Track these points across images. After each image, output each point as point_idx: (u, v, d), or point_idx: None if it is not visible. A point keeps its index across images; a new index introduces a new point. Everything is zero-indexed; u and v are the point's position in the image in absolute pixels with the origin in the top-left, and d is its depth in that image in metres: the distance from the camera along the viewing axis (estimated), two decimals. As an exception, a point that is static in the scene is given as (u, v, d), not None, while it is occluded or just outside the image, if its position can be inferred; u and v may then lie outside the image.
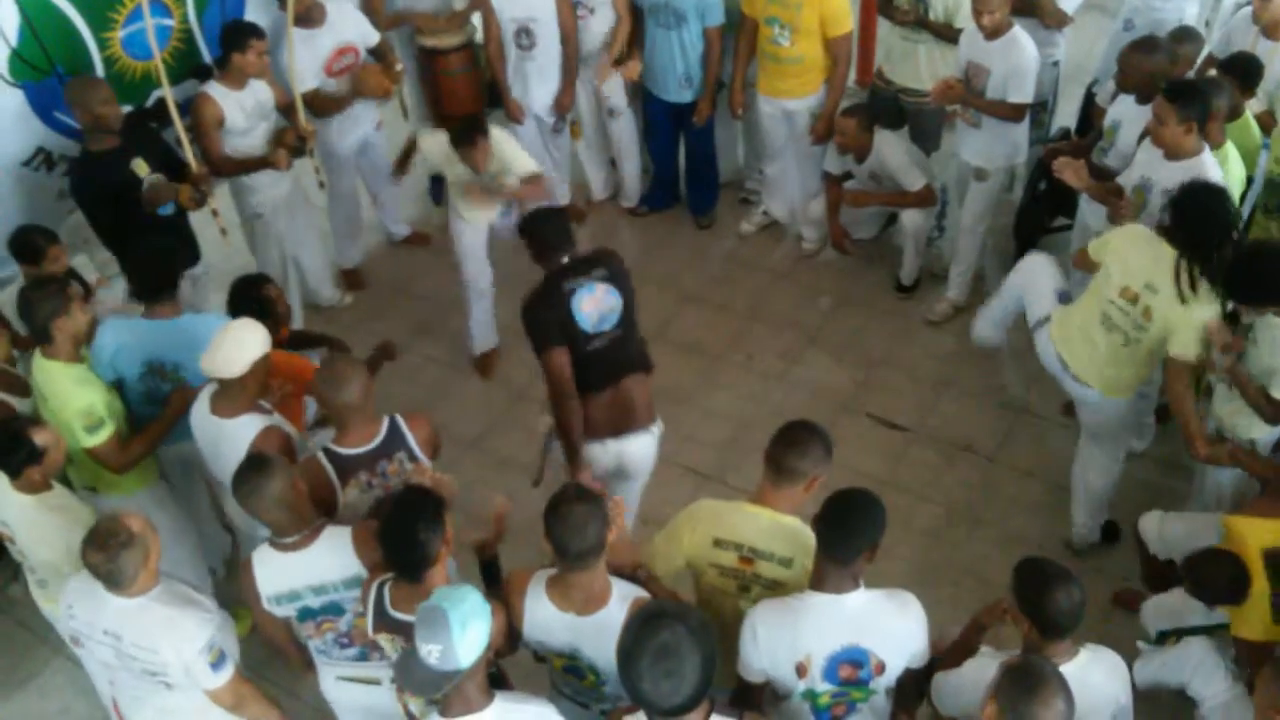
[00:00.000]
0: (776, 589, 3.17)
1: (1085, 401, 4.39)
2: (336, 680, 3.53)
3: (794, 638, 2.94)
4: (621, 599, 2.98)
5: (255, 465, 3.25)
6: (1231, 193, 4.30)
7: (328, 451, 3.56)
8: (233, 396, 3.71)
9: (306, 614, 3.36)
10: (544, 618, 3.03)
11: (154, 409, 4.08)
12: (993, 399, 5.49)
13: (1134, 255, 4.05)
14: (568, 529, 2.88)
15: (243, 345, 3.67)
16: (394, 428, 3.61)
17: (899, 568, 4.66)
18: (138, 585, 3.17)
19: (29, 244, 4.50)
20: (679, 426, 5.40)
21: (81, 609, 3.28)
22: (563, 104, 6.22)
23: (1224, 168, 4.35)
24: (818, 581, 2.96)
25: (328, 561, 3.28)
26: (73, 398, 3.89)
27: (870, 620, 2.95)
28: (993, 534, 4.88)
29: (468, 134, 5.00)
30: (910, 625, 3.02)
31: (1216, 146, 4.39)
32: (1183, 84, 4.39)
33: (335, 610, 3.35)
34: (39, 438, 3.54)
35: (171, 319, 4.09)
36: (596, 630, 2.96)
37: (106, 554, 3.09)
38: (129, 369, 4.08)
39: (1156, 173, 4.38)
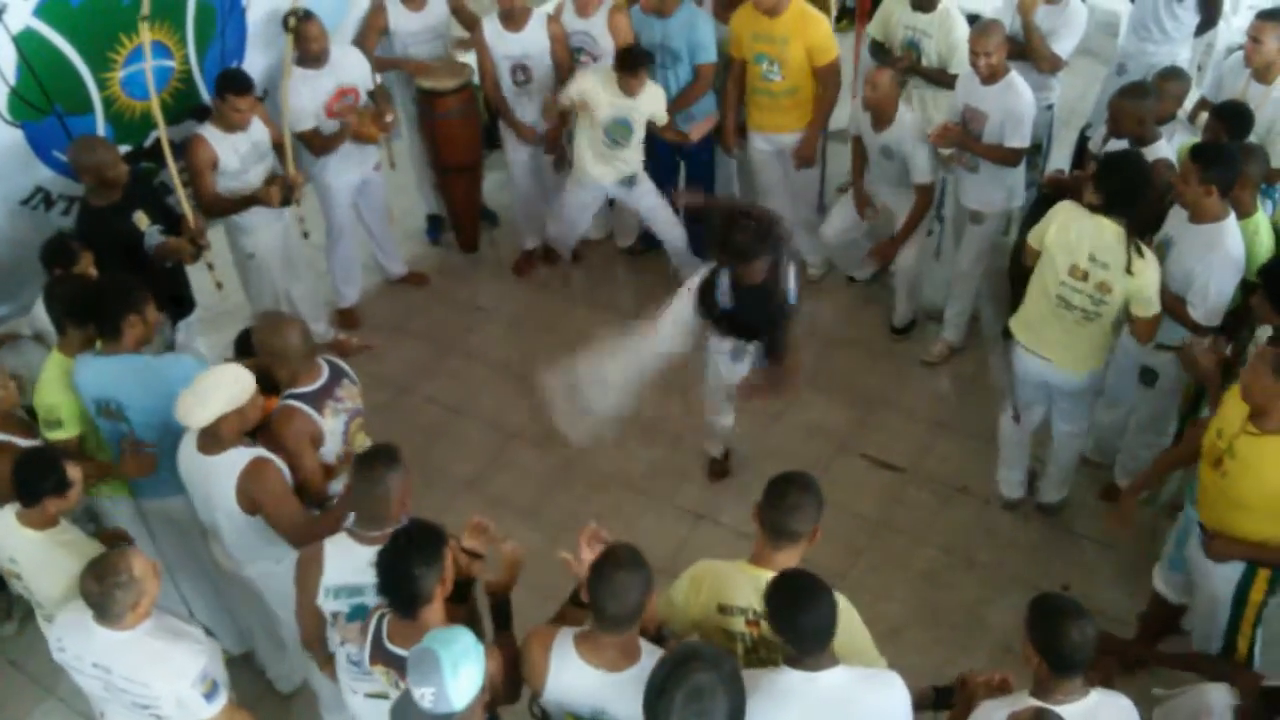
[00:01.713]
0: (783, 650, 3.09)
1: (1067, 386, 4.61)
2: (365, 698, 3.46)
3: (767, 717, 2.81)
4: (650, 656, 2.90)
5: (385, 453, 3.35)
6: (1262, 260, 4.26)
7: (294, 395, 3.86)
8: (214, 434, 3.70)
9: (358, 612, 3.32)
10: (572, 675, 2.94)
11: (119, 454, 4.06)
12: (989, 440, 5.48)
13: (1073, 232, 4.29)
14: (610, 593, 2.83)
15: (206, 400, 3.63)
16: (331, 362, 4.01)
17: (895, 609, 4.64)
18: (125, 621, 3.16)
19: (63, 249, 4.49)
20: (673, 466, 5.39)
21: (70, 641, 3.27)
22: (550, 137, 6.27)
23: (1255, 237, 4.31)
24: (792, 660, 2.86)
25: None
26: (44, 390, 4.04)
27: (845, 699, 2.84)
28: (989, 576, 4.86)
29: (633, 63, 5.53)
30: (889, 706, 2.89)
31: (1247, 215, 4.32)
32: (1210, 146, 4.27)
33: None
34: (71, 472, 3.57)
35: (120, 356, 3.98)
36: (629, 686, 2.86)
37: (101, 586, 3.11)
38: (88, 405, 4.03)
39: (1179, 233, 4.29)
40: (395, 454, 3.35)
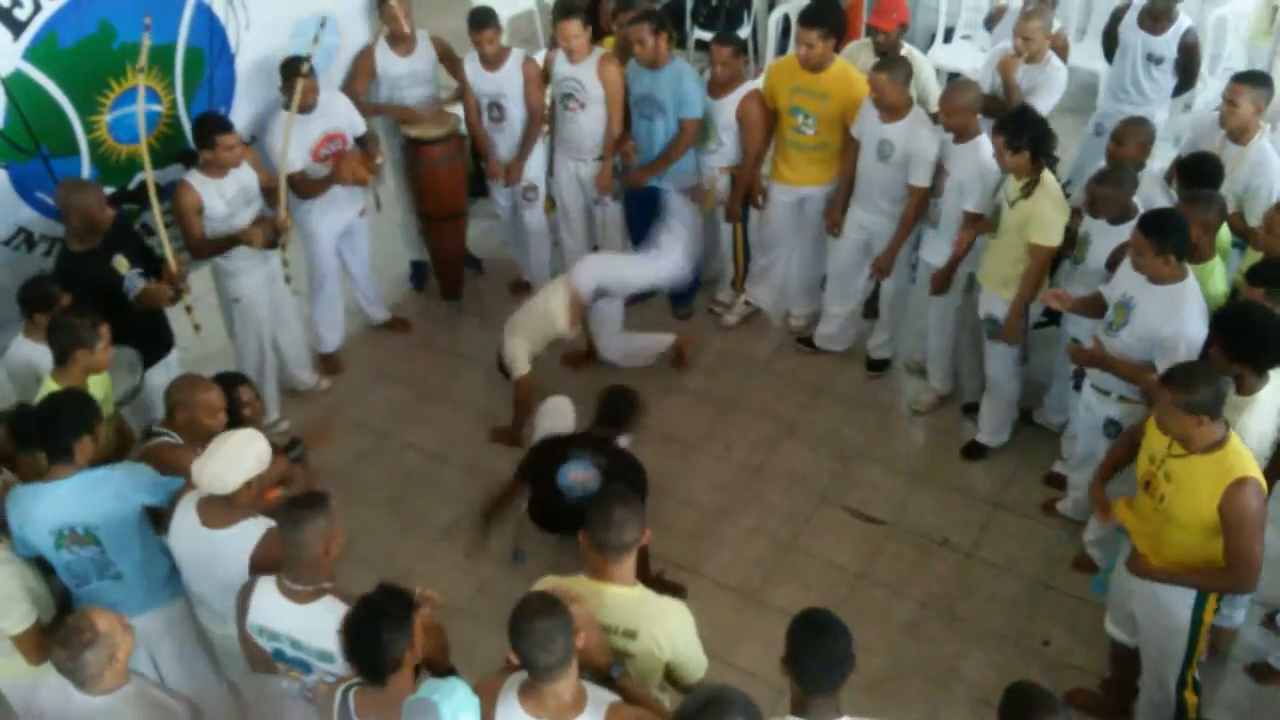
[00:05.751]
0: (626, 662, 3.19)
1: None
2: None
3: None
4: (597, 705, 2.90)
5: (314, 500, 3.29)
6: (1213, 306, 4.30)
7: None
8: (227, 505, 3.56)
9: (279, 656, 3.37)
10: None
11: (82, 585, 3.78)
12: (970, 493, 5.49)
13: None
14: (533, 644, 2.81)
15: (239, 462, 3.53)
16: None
17: (875, 664, 4.61)
18: (102, 684, 3.10)
19: (43, 293, 4.39)
20: (654, 516, 5.32)
21: (51, 710, 3.21)
22: (510, 174, 6.32)
23: (1208, 283, 4.36)
24: (799, 708, 2.86)
25: (315, 627, 3.24)
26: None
27: None
28: (970, 630, 4.84)
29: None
30: None
31: (1204, 260, 4.40)
32: (1157, 216, 4.25)
33: (303, 667, 3.34)
34: None
35: (71, 477, 3.68)
36: None
37: (70, 652, 3.05)
38: (41, 542, 3.69)
39: (1140, 295, 4.30)
40: (324, 502, 3.27)
